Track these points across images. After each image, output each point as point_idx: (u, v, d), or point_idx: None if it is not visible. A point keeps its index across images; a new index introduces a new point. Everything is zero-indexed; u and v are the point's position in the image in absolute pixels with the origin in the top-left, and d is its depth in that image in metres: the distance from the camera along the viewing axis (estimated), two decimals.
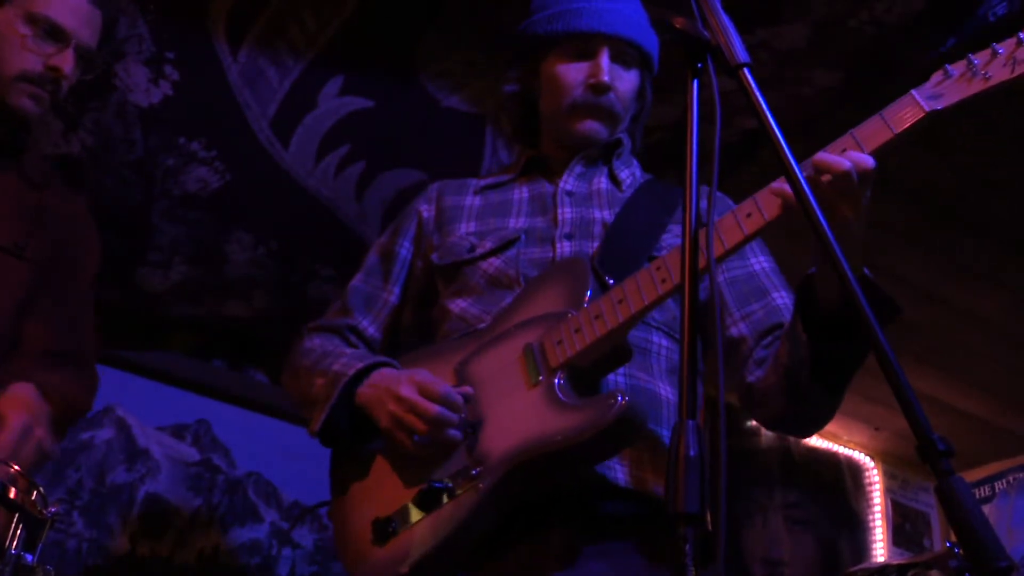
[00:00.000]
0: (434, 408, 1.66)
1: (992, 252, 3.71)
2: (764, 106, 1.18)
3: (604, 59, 1.91)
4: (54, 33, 1.95)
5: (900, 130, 1.47)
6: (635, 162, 2.06)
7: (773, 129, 1.17)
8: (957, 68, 1.46)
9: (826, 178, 1.45)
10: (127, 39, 2.71)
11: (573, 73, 1.93)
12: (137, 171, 2.98)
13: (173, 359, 3.59)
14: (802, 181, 1.15)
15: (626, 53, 1.94)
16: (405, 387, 1.69)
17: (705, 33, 1.23)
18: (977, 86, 1.43)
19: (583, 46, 1.93)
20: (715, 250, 1.51)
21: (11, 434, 1.73)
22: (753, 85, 1.19)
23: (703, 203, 1.18)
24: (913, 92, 1.48)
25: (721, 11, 1.24)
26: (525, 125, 2.07)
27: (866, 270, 1.55)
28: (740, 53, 1.21)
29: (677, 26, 1.23)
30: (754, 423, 4.92)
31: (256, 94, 2.89)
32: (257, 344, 3.70)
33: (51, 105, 2.01)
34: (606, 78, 1.90)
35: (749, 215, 1.54)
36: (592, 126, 1.94)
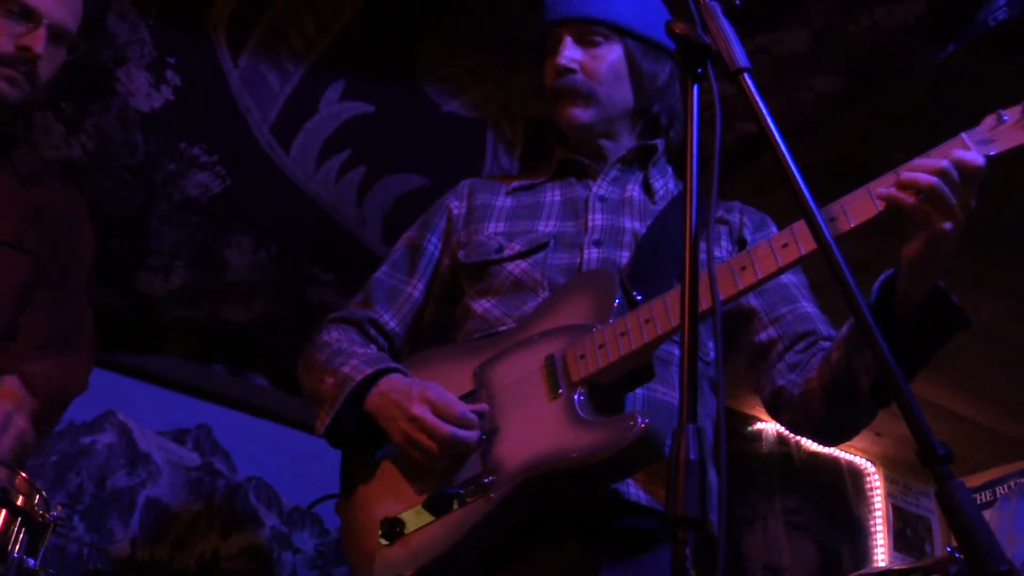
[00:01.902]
0: (447, 429, 1.63)
1: (993, 258, 3.70)
2: (764, 111, 1.18)
3: (562, 45, 1.92)
4: (24, 13, 1.91)
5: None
6: (670, 170, 2.02)
7: (773, 134, 1.16)
8: (1011, 114, 1.41)
9: (911, 197, 1.42)
10: (129, 44, 2.71)
11: (548, 67, 1.96)
12: (138, 175, 2.98)
13: (173, 363, 3.58)
14: (804, 189, 1.14)
15: (591, 32, 1.93)
16: (417, 405, 1.67)
17: (705, 38, 1.23)
18: None
19: (553, 37, 1.96)
20: (748, 279, 1.51)
21: None
22: (753, 90, 1.19)
23: (715, 214, 1.17)
24: (963, 136, 1.44)
25: (721, 16, 1.24)
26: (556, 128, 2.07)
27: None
28: (740, 58, 1.21)
29: (677, 31, 1.24)
30: (755, 428, 4.94)
31: (257, 99, 2.89)
32: (257, 348, 3.69)
33: (30, 89, 1.95)
34: (561, 60, 1.91)
35: (785, 245, 1.51)
36: (568, 110, 1.93)
